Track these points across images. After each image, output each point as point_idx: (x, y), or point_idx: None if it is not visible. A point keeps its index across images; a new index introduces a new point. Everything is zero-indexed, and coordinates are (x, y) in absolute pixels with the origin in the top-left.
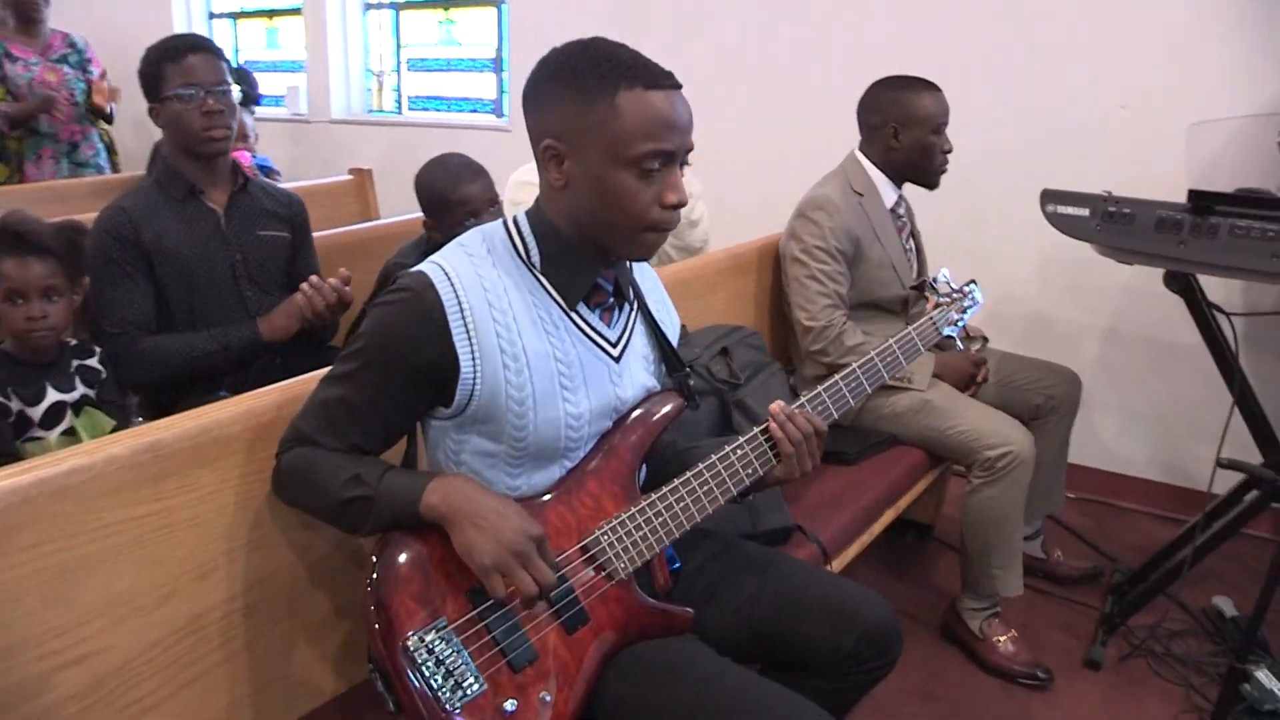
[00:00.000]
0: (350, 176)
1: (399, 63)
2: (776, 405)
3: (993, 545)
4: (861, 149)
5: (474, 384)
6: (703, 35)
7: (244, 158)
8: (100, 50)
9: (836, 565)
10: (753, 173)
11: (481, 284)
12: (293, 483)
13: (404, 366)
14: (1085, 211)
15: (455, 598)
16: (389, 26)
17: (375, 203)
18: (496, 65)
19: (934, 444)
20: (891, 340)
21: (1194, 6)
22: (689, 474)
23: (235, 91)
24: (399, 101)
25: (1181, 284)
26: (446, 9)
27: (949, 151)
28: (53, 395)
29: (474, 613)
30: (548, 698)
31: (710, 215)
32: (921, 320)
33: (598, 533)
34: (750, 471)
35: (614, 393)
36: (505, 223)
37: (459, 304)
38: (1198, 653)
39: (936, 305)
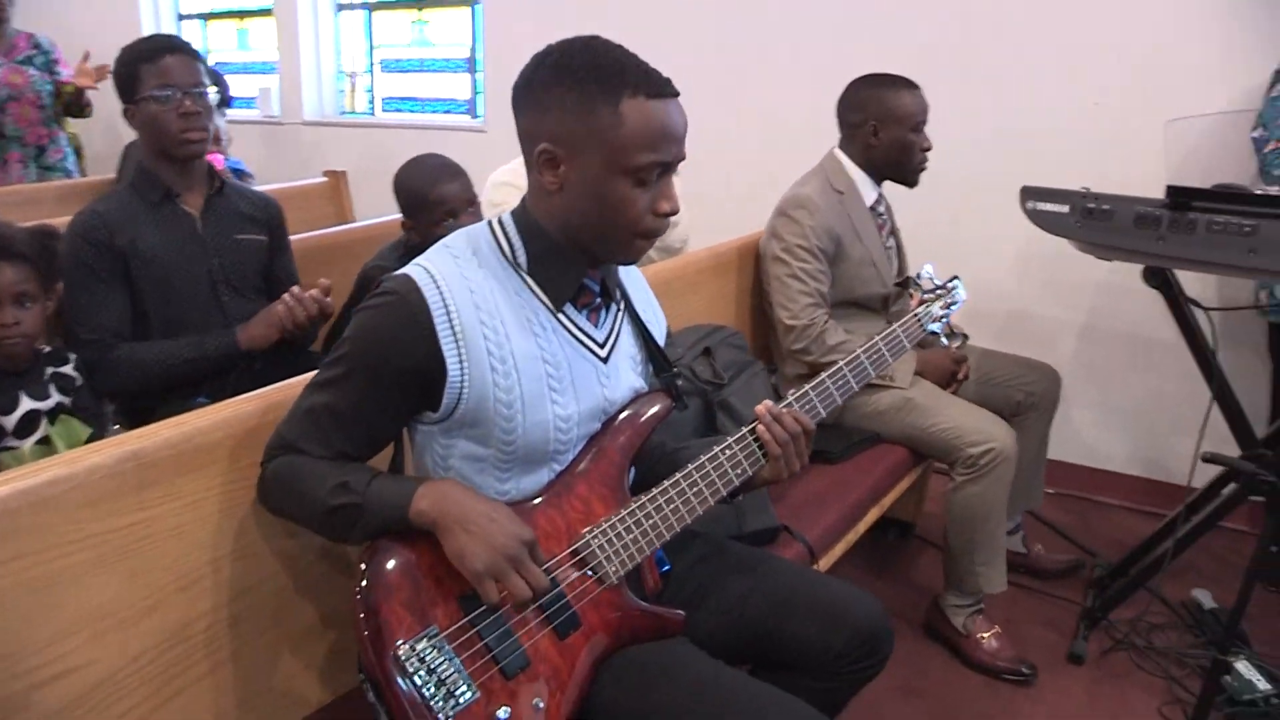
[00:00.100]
0: (325, 179)
1: (372, 63)
2: (764, 405)
3: (976, 542)
4: (841, 147)
5: (461, 387)
6: (680, 35)
7: (216, 161)
8: (68, 53)
9: (823, 564)
10: (732, 172)
11: (467, 286)
12: (279, 491)
13: (390, 371)
14: (1064, 208)
15: (446, 604)
16: (361, 27)
17: (350, 205)
18: (470, 65)
19: (917, 442)
20: (877, 337)
21: (1168, 3)
22: (678, 475)
23: (212, 93)
24: (372, 103)
25: (1160, 279)
26: (419, 9)
27: (928, 149)
28: (27, 403)
29: (465, 619)
30: (540, 704)
31: (690, 215)
32: (906, 317)
33: (588, 536)
34: (739, 472)
35: (602, 394)
36: (490, 224)
37: (445, 306)
38: (1178, 645)
39: (921, 302)
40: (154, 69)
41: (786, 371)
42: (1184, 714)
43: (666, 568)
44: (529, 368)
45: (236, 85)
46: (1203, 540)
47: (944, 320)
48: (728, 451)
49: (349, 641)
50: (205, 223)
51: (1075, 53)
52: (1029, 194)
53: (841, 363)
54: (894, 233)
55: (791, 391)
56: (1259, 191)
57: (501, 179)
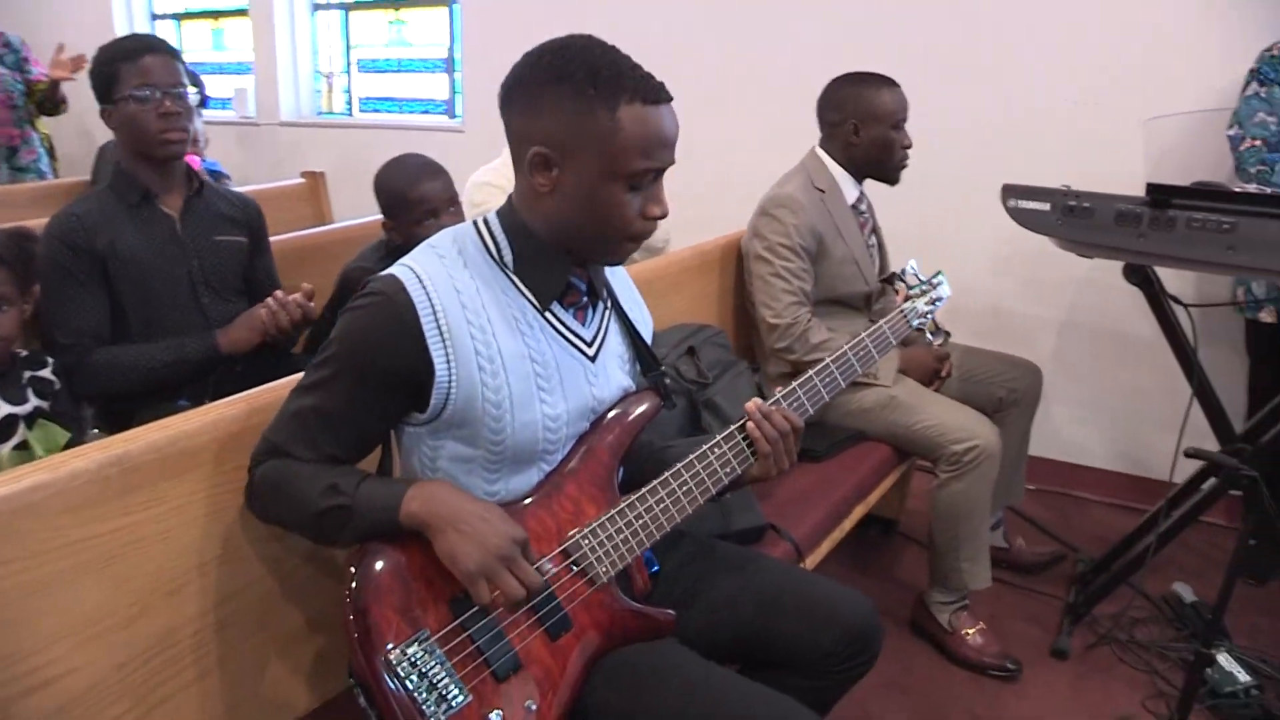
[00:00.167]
0: (302, 180)
1: (349, 64)
2: (753, 403)
3: (961, 539)
4: (822, 146)
5: (449, 388)
6: (658, 34)
7: (193, 162)
8: (39, 52)
9: (810, 563)
10: (713, 171)
11: (454, 285)
12: (267, 496)
13: (377, 372)
14: (1046, 206)
15: (437, 607)
16: (338, 27)
17: (329, 206)
18: (449, 65)
19: (901, 439)
20: (864, 335)
21: (1146, 2)
22: (667, 474)
23: (193, 94)
24: (349, 103)
25: (1140, 276)
26: (397, 9)
27: (909, 147)
28: (4, 408)
29: (457, 622)
30: (533, 706)
31: (672, 214)
32: (892, 314)
33: (578, 536)
34: (729, 470)
35: (590, 393)
36: (475, 223)
37: (432, 306)
38: (1160, 639)
39: (906, 297)
40: (134, 68)
41: (769, 370)
42: (1167, 707)
43: (655, 568)
44: (517, 367)
45: (211, 86)
46: (1182, 535)
47: (929, 316)
48: (717, 450)
49: (336, 645)
50: (185, 224)
51: (1054, 51)
52: (1010, 192)
53: (829, 360)
54: (875, 231)
55: (779, 389)
56: (1237, 189)
57: (482, 179)
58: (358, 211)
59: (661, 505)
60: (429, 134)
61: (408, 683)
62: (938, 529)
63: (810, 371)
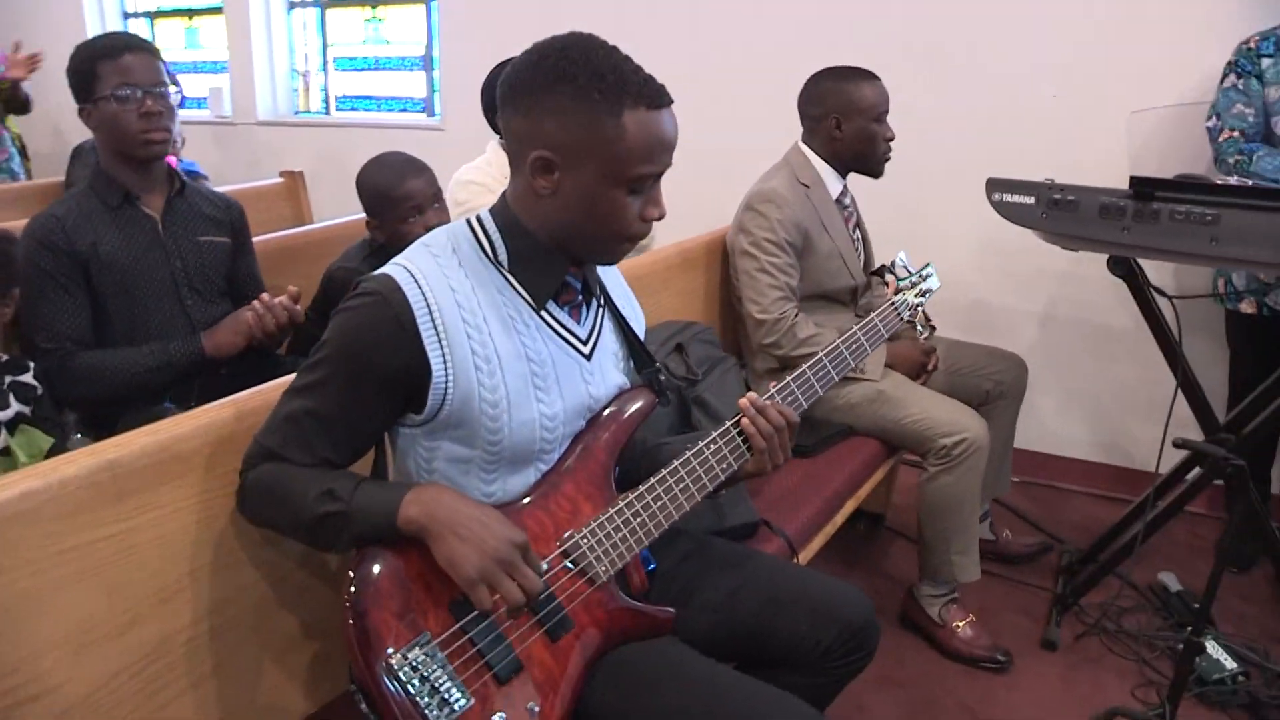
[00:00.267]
0: (281, 179)
1: (325, 62)
2: (748, 398)
3: (950, 532)
4: (805, 140)
5: (446, 388)
6: (637, 30)
7: (170, 163)
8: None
9: (803, 558)
10: (695, 167)
11: (449, 284)
12: (260, 501)
13: (373, 374)
14: (1030, 199)
15: (437, 611)
16: (314, 25)
17: (308, 206)
18: (426, 63)
19: (889, 434)
20: (855, 328)
21: None
22: (664, 472)
23: (174, 93)
24: (326, 101)
25: (1125, 269)
26: (373, 6)
27: (891, 139)
28: None
29: (457, 626)
30: (535, 708)
31: None
32: (883, 306)
33: (577, 536)
34: (725, 466)
35: (587, 391)
36: (469, 222)
37: (428, 306)
38: (1147, 628)
39: (897, 290)
40: (114, 67)
41: (756, 366)
42: (1157, 695)
43: (652, 566)
44: (513, 366)
45: (186, 85)
46: (1165, 524)
47: (919, 308)
48: (712, 446)
49: (331, 650)
50: (167, 225)
51: (1034, 44)
52: (995, 186)
53: (821, 354)
54: (860, 225)
55: (773, 384)
56: (1219, 181)
57: (466, 177)
58: (337, 211)
59: (659, 503)
60: (408, 132)
61: (409, 687)
62: (927, 522)
63: (803, 365)
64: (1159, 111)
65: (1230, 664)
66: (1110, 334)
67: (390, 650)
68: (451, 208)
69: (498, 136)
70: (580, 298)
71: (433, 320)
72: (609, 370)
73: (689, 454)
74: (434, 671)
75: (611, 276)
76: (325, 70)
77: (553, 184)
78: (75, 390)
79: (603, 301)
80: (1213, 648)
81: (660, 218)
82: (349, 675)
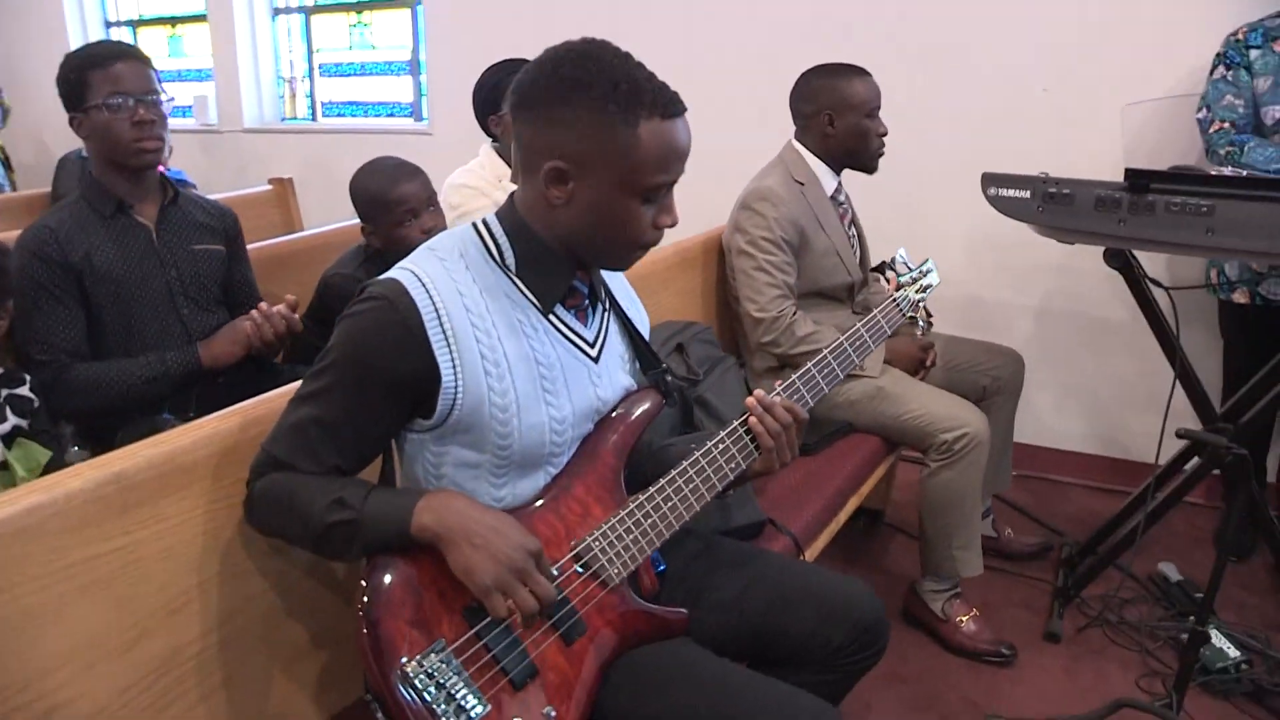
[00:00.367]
0: (270, 186)
1: (311, 68)
2: (755, 397)
3: (953, 527)
4: (798, 138)
5: (456, 393)
6: (630, 31)
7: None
8: None
9: (809, 556)
10: (691, 167)
11: (456, 288)
12: (268, 511)
13: (381, 379)
14: (1026, 193)
15: (451, 618)
16: (299, 31)
17: (298, 213)
18: (413, 68)
19: (890, 430)
20: (859, 324)
21: None
22: (673, 473)
23: (166, 101)
24: (312, 108)
25: (1121, 261)
26: (359, 12)
27: (884, 135)
28: None
29: (472, 632)
30: (552, 713)
31: None
32: (885, 303)
33: (589, 539)
34: (733, 466)
35: (595, 394)
36: (475, 225)
37: (436, 310)
38: (1149, 619)
39: (898, 286)
40: (105, 76)
41: (755, 365)
42: (1162, 685)
43: (662, 568)
44: (522, 370)
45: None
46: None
47: (921, 304)
48: (720, 446)
49: (340, 659)
50: (161, 234)
51: (1025, 38)
52: (990, 180)
53: (826, 351)
54: (855, 222)
55: (779, 382)
56: (1213, 172)
57: (460, 180)
58: (325, 217)
59: (670, 504)
60: (396, 137)
61: (425, 694)
62: (929, 518)
63: (809, 364)
64: (1152, 104)
65: (1234, 653)
66: (1105, 327)
67: (404, 659)
68: (445, 211)
69: (490, 139)
70: (587, 301)
71: (441, 325)
72: (616, 373)
73: (698, 454)
74: (449, 678)
75: (615, 278)
76: (311, 76)
77: (566, 194)
78: (71, 402)
79: (608, 304)
80: (1216, 637)
81: (673, 225)
82: (364, 685)
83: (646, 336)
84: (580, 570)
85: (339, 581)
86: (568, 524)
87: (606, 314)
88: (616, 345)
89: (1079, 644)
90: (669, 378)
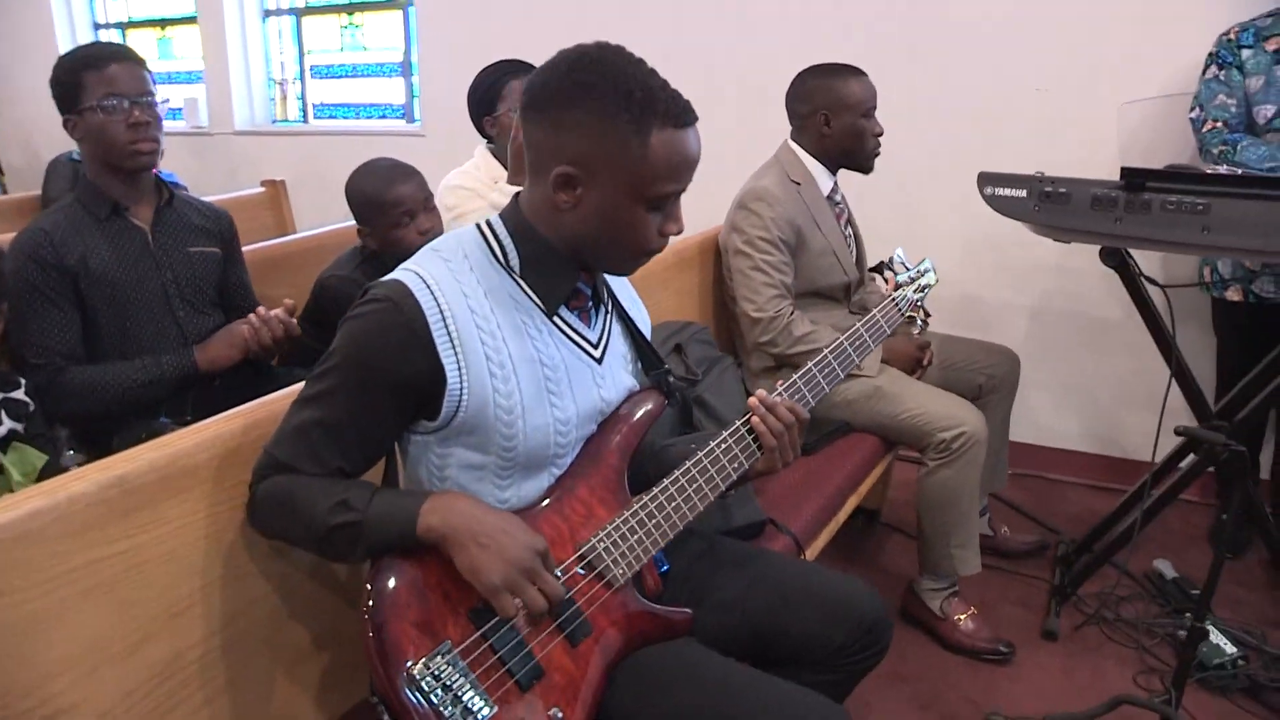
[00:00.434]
0: (263, 189)
1: (302, 70)
2: (758, 397)
3: (951, 526)
4: (794, 138)
5: (461, 395)
6: (617, 32)
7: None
8: None
9: (809, 555)
10: None
11: (461, 290)
12: (272, 513)
13: (386, 382)
14: (1023, 193)
15: (456, 619)
16: (290, 33)
17: (291, 215)
18: (405, 69)
19: (888, 429)
20: (859, 324)
21: None
22: (677, 473)
23: (161, 103)
24: (304, 110)
25: (1118, 260)
26: (350, 13)
27: (880, 134)
28: None
29: (478, 633)
30: (559, 714)
31: None
32: (884, 303)
33: (594, 540)
34: (736, 466)
35: (598, 395)
36: (479, 226)
37: (440, 312)
38: (1145, 616)
39: (897, 285)
40: (99, 77)
41: (751, 365)
42: (1161, 682)
43: (665, 568)
44: (527, 371)
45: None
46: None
47: (919, 303)
48: (723, 445)
49: (343, 661)
50: (157, 236)
51: (1019, 38)
52: (986, 180)
53: (826, 351)
54: (851, 221)
55: (779, 382)
56: (1207, 171)
57: (455, 182)
58: (317, 219)
59: (673, 504)
60: (388, 139)
61: (432, 697)
62: (927, 517)
63: (810, 363)
64: (1148, 103)
65: (1230, 649)
66: (1100, 326)
67: (410, 662)
68: (441, 213)
69: (485, 140)
70: (590, 302)
71: (446, 326)
72: (619, 373)
73: (700, 454)
74: (456, 680)
75: (617, 279)
76: (302, 78)
77: (574, 198)
78: (66, 406)
79: (610, 305)
80: (1213, 633)
81: (679, 233)
82: (369, 687)
83: (648, 336)
84: (585, 571)
85: (341, 583)
86: (572, 525)
87: (609, 315)
88: (619, 346)
89: (1076, 641)
90: (671, 378)
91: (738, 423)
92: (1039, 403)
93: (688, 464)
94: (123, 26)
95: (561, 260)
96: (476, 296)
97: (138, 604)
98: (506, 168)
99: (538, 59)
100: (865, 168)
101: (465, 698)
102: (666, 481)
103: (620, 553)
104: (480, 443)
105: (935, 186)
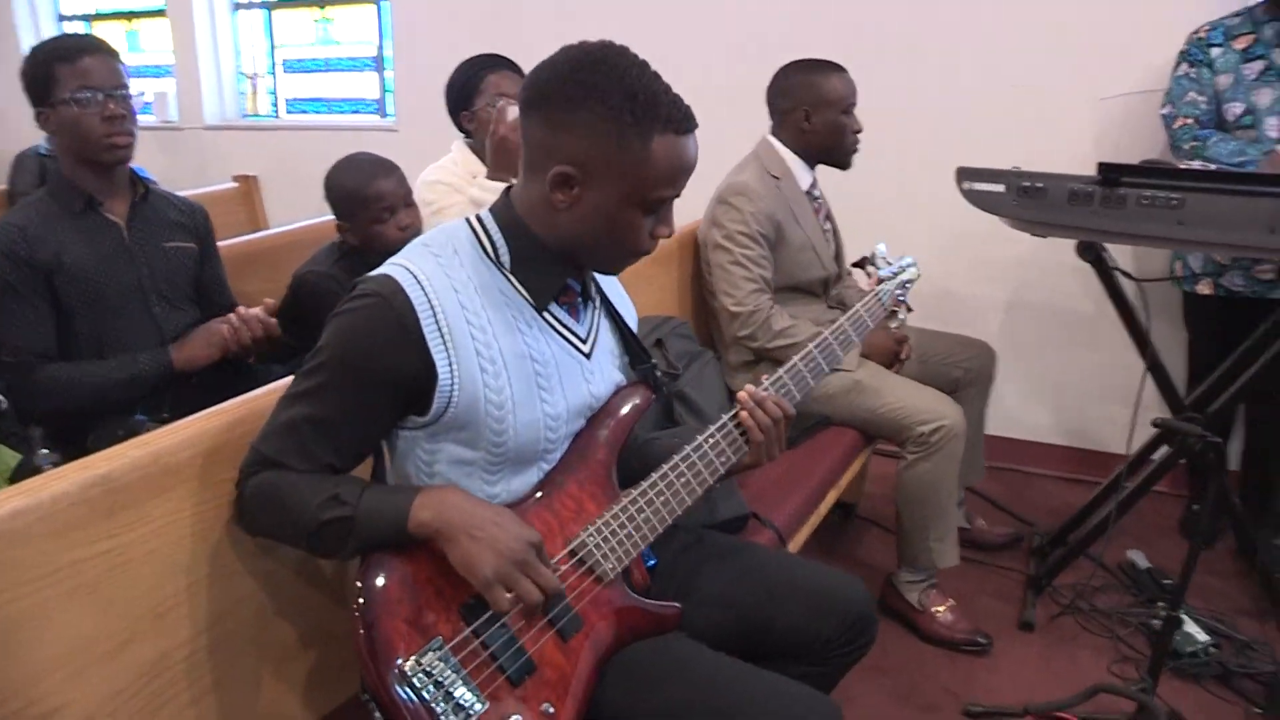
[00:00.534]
0: (235, 184)
1: (274, 64)
2: (746, 391)
3: (929, 519)
4: (774, 133)
5: (452, 391)
6: (597, 27)
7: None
8: None
9: (792, 548)
10: None
11: (451, 285)
12: (261, 510)
13: (376, 378)
14: (1000, 187)
15: (447, 615)
16: (261, 26)
17: (264, 211)
18: (378, 64)
19: (867, 423)
20: (842, 319)
21: None
22: (665, 467)
23: (136, 97)
24: (275, 105)
25: (1093, 254)
26: (322, 7)
27: (859, 131)
28: None
29: (469, 630)
30: (550, 709)
31: None
32: (867, 297)
33: (583, 535)
34: (724, 460)
35: (588, 390)
36: (469, 221)
37: (431, 307)
38: (1119, 606)
39: (880, 280)
40: (72, 70)
41: (730, 359)
42: (1135, 670)
43: (652, 562)
44: (518, 366)
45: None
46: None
47: (901, 298)
48: (711, 440)
49: (330, 660)
50: (132, 231)
51: (995, 34)
52: (965, 174)
53: (811, 346)
54: (830, 216)
55: (765, 377)
56: (1183, 166)
57: (433, 177)
58: (289, 215)
59: (662, 498)
60: (361, 134)
61: (424, 693)
62: (905, 510)
63: (795, 358)
64: (1125, 98)
65: (1203, 637)
66: (1073, 320)
67: (401, 658)
68: (419, 208)
69: (463, 135)
70: (579, 298)
71: (436, 322)
72: (608, 368)
73: (688, 449)
74: (447, 676)
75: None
76: (274, 73)
77: (571, 198)
78: (40, 404)
79: (598, 300)
80: (1186, 622)
81: (669, 236)
82: (360, 684)
83: (635, 331)
84: (575, 566)
85: (327, 579)
86: (561, 520)
87: (597, 310)
88: (607, 341)
89: (1052, 632)
90: (658, 372)
91: (725, 417)
92: (1013, 396)
93: (676, 458)
94: (89, 19)
95: (553, 257)
96: (467, 292)
97: (123, 604)
98: (485, 162)
99: (514, 53)
100: (844, 164)
101: (457, 694)
102: (655, 476)
103: (610, 547)
104: (470, 438)
105: (913, 181)
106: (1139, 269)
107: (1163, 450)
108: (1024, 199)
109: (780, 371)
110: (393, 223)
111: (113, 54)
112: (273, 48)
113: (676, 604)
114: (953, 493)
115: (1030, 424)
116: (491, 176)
